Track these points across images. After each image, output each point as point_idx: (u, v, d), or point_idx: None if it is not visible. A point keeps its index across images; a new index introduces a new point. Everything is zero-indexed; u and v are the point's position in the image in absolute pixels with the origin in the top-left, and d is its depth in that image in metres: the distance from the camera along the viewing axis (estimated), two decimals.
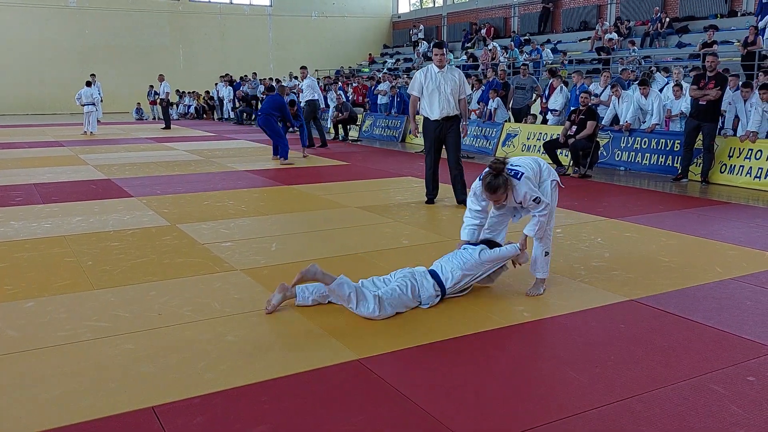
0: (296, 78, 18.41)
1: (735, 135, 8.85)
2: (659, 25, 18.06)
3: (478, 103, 13.01)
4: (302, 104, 13.00)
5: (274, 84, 13.35)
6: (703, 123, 8.20)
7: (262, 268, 4.48)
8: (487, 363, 3.00)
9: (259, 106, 14.54)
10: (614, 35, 18.24)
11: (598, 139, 9.28)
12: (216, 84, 24.30)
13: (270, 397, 2.64)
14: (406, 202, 7.00)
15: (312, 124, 13.11)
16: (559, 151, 9.39)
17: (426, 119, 6.69)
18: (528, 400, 2.64)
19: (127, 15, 27.78)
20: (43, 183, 8.27)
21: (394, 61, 26.57)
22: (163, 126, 18.74)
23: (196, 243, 5.16)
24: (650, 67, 13.96)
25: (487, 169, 3.77)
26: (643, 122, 9.91)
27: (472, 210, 3.99)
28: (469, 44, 24.67)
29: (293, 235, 5.53)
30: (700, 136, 8.33)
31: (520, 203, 3.82)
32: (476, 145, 12.31)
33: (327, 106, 17.16)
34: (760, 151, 8.10)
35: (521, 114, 12.49)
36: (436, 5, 30.63)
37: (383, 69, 23.74)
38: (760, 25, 13.64)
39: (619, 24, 19.24)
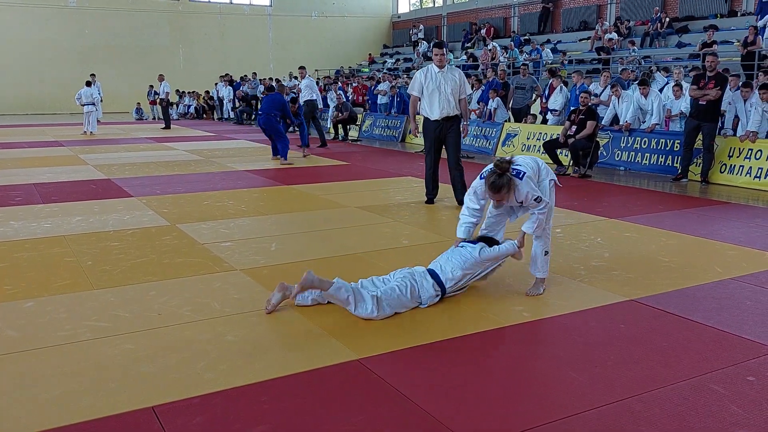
0: (296, 78, 18.40)
1: (735, 135, 8.85)
2: (659, 25, 18.05)
3: (478, 103, 13.01)
4: (301, 104, 13.01)
5: (273, 84, 13.36)
6: (703, 123, 8.20)
7: (261, 268, 4.48)
8: (486, 363, 3.00)
9: (259, 106, 14.53)
10: (614, 35, 18.24)
11: (598, 139, 9.28)
12: (216, 84, 24.29)
13: (270, 397, 2.64)
14: (406, 202, 7.00)
15: (311, 124, 13.12)
16: (559, 151, 9.39)
17: (426, 119, 6.69)
18: (528, 400, 2.64)
19: (127, 15, 27.77)
20: (42, 183, 8.27)
21: (394, 61, 26.56)
22: (163, 126, 18.74)
23: (196, 243, 5.16)
24: (650, 67, 13.96)
25: (490, 168, 3.75)
26: (643, 122, 9.90)
27: (470, 208, 4.00)
28: (469, 44, 24.66)
29: (293, 235, 5.53)
30: (700, 136, 8.33)
31: (521, 203, 3.82)
32: (476, 145, 12.31)
33: (327, 106, 17.17)
34: (760, 151, 8.10)
35: (521, 114, 12.49)
36: (436, 5, 30.61)
37: (383, 69, 23.75)
38: (760, 24, 13.64)
39: (619, 24, 19.24)
